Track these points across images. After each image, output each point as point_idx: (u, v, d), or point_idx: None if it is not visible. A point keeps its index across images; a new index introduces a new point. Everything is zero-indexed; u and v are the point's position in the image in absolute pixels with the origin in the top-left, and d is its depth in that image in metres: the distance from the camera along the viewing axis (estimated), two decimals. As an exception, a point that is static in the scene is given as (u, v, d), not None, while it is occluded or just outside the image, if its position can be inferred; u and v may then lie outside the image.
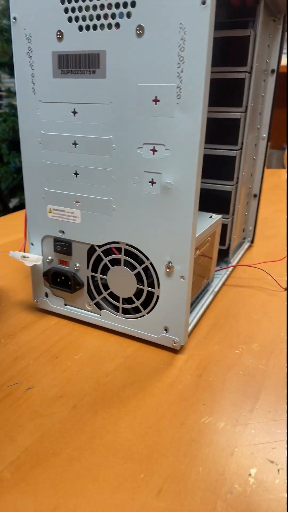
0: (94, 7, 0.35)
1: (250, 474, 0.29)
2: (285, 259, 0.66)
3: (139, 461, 0.29)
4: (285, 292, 0.56)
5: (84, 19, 0.35)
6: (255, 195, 0.69)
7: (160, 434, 0.32)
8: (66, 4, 0.36)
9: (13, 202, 1.86)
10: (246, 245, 0.71)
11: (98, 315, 0.45)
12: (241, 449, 0.31)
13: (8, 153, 1.72)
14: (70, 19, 0.36)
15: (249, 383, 0.37)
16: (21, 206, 1.85)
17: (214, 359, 0.41)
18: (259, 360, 0.41)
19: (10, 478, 0.28)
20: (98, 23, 0.35)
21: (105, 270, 0.43)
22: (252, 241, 0.73)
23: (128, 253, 0.41)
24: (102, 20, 0.34)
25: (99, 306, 0.45)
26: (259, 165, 0.66)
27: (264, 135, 0.65)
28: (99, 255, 0.43)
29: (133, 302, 0.42)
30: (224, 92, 0.52)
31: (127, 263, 0.41)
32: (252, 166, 0.65)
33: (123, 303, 0.43)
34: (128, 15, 0.33)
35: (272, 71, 0.61)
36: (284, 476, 0.28)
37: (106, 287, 0.44)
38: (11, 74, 1.65)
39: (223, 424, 0.33)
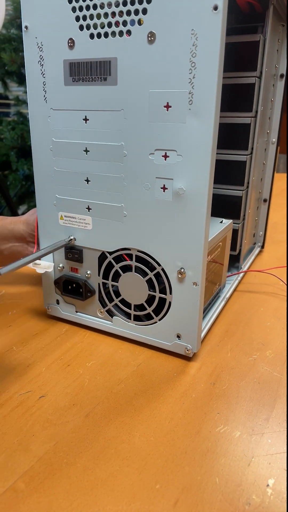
0: (106, 15, 0.35)
1: (268, 485, 0.28)
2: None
3: (155, 471, 0.29)
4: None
5: (95, 27, 0.35)
6: (265, 200, 0.68)
7: (175, 444, 0.31)
8: (78, 13, 0.36)
9: (21, 209, 1.87)
10: (256, 250, 0.70)
11: (110, 322, 0.45)
12: (258, 459, 0.30)
13: (16, 160, 1.74)
14: (81, 27, 0.36)
15: (264, 391, 0.37)
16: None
17: (227, 367, 0.40)
18: (274, 368, 0.40)
19: (24, 489, 0.27)
20: (109, 30, 0.35)
21: (116, 277, 0.43)
22: (262, 246, 0.72)
23: (139, 259, 0.41)
24: (114, 28, 0.35)
25: (110, 313, 0.45)
26: (269, 169, 0.66)
27: (274, 140, 0.64)
28: (110, 261, 0.42)
29: (145, 309, 0.42)
30: (234, 97, 0.52)
31: (138, 270, 0.41)
32: (262, 171, 0.64)
33: (134, 310, 0.43)
34: (140, 22, 0.33)
35: (281, 75, 0.61)
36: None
37: (117, 294, 0.43)
38: (20, 82, 1.67)
39: (239, 433, 0.32)
